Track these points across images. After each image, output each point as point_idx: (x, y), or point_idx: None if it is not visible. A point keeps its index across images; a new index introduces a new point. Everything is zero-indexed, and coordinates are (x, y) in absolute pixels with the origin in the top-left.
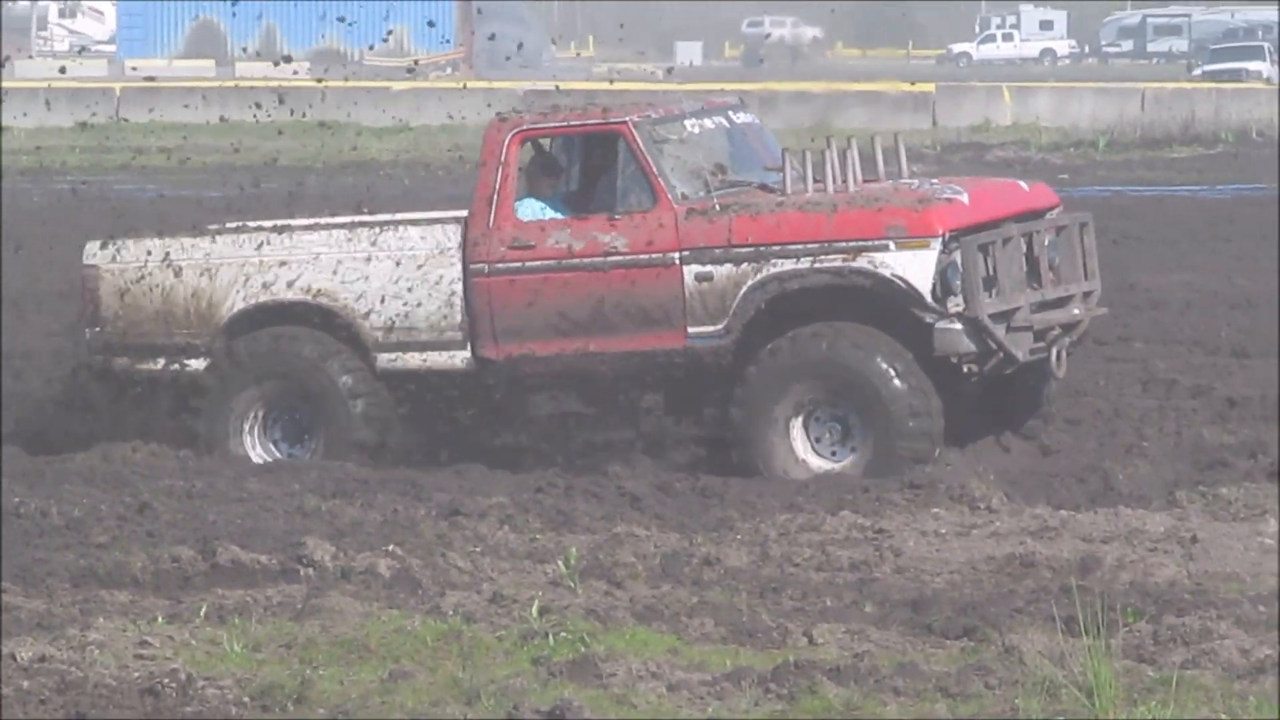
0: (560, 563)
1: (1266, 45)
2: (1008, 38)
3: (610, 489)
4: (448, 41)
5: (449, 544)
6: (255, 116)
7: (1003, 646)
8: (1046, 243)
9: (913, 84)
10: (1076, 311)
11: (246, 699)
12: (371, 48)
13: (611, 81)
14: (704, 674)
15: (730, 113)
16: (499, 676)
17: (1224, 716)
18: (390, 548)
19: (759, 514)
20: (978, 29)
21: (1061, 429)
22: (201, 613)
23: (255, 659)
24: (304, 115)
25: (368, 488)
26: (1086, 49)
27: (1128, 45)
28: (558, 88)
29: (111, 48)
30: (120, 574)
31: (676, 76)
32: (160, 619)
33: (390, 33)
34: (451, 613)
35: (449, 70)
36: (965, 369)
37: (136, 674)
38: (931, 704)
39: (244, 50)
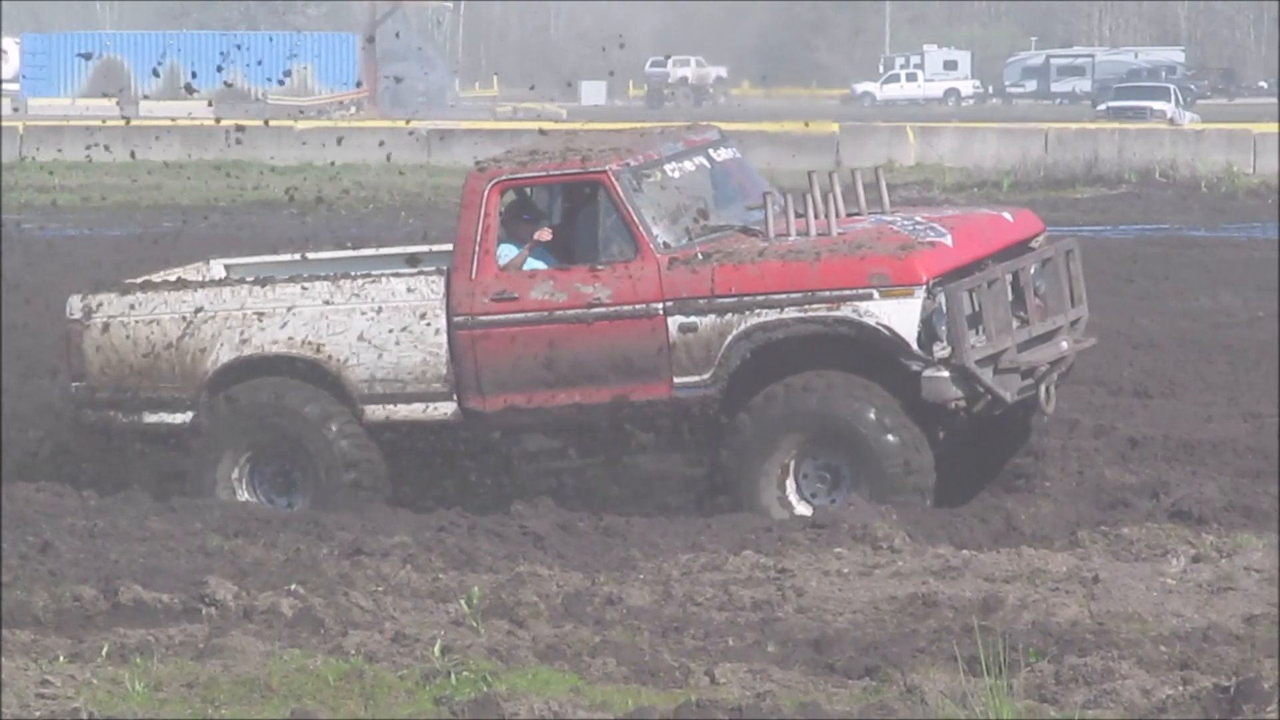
0: (462, 602)
1: (1172, 86)
2: (911, 78)
3: (513, 528)
4: (350, 81)
5: (351, 583)
6: (166, 163)
7: (905, 686)
8: (1032, 272)
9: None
10: (1064, 345)
11: None
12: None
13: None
14: (606, 713)
15: (711, 150)
16: (401, 716)
17: None
18: (293, 587)
19: (661, 553)
20: (882, 69)
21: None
22: (103, 652)
23: (157, 698)
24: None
25: (270, 527)
26: (990, 89)
27: (1031, 86)
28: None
29: (15, 86)
30: (22, 613)
31: (580, 116)
32: (62, 658)
33: (288, 73)
34: (354, 652)
35: (353, 110)
36: (954, 406)
37: (38, 713)
38: None
39: (146, 96)
